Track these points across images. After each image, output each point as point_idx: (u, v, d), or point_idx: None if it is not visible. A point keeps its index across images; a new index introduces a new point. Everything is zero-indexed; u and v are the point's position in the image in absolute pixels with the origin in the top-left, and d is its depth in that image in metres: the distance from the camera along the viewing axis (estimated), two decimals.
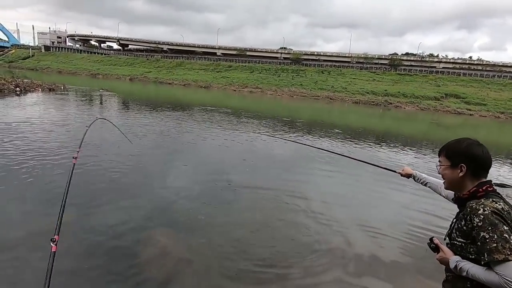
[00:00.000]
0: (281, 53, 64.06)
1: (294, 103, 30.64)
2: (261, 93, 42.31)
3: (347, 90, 43.06)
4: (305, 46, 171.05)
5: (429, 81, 45.56)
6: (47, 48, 72.44)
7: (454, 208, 1.33)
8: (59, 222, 1.59)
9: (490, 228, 1.03)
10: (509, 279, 0.97)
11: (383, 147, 10.06)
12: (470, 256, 1.13)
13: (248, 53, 64.42)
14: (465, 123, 25.27)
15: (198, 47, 69.93)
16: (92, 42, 77.96)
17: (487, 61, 54.15)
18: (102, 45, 79.09)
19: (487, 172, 1.23)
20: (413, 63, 54.83)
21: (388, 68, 51.97)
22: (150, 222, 3.63)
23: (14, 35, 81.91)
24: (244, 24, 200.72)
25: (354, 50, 66.46)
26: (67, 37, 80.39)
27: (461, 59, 57.24)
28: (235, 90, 43.72)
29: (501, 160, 9.52)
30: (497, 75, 46.28)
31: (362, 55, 57.62)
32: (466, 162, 1.21)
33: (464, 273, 1.12)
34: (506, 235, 1.01)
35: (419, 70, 50.79)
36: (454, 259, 1.17)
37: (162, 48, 69.56)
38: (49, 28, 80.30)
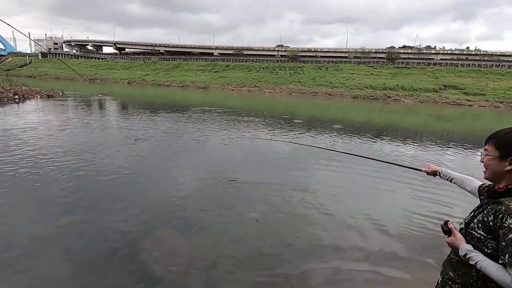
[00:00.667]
0: (278, 50, 63.96)
1: (293, 100, 30.63)
2: (260, 91, 42.26)
3: (345, 85, 43.00)
4: (302, 42, 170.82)
5: (427, 73, 45.46)
6: (44, 54, 72.38)
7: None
8: None
9: None
10: None
11: (385, 140, 10.06)
12: (486, 250, 1.11)
13: (245, 52, 64.33)
14: (465, 114, 25.23)
15: (195, 48, 69.87)
16: (89, 47, 77.89)
17: (484, 51, 54.02)
18: (99, 50, 79.04)
19: None
20: (410, 56, 54.75)
21: (386, 62, 51.86)
22: (155, 223, 3.65)
23: (10, 43, 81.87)
24: (241, 23, 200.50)
25: (351, 45, 66.37)
26: (64, 43, 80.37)
27: (458, 50, 57.14)
28: (233, 90, 43.68)
29: None
30: (495, 65, 46.16)
31: (360, 50, 57.51)
32: None
33: (473, 263, 1.11)
34: None
35: (417, 62, 50.68)
36: (465, 247, 1.15)
37: (159, 50, 69.53)
38: (45, 34, 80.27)
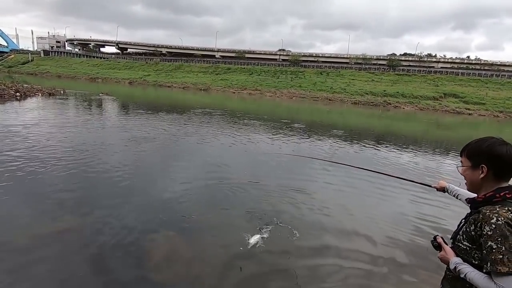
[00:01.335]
0: (280, 55, 64.31)
1: (293, 105, 30.71)
2: (260, 94, 42.37)
3: (346, 91, 43.17)
4: (303, 47, 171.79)
5: (428, 81, 45.72)
6: (46, 52, 72.63)
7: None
8: None
9: (499, 239, 1.00)
10: None
11: (385, 148, 10.09)
12: (474, 262, 1.11)
13: (247, 55, 64.64)
14: (464, 122, 25.33)
15: (197, 50, 70.19)
16: (91, 46, 78.15)
17: (485, 60, 54.41)
18: (101, 49, 79.32)
19: None
20: (411, 63, 55.12)
21: (387, 69, 52.16)
22: (155, 224, 3.64)
23: (13, 40, 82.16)
24: (243, 26, 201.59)
25: (353, 51, 66.74)
26: (66, 41, 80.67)
27: (459, 58, 57.54)
28: (234, 92, 43.78)
29: None
30: (495, 74, 46.47)
31: (361, 56, 57.87)
32: (487, 162, 1.14)
33: (462, 276, 1.11)
34: None
35: (418, 70, 50.98)
36: (454, 261, 1.16)
37: (161, 51, 69.81)
38: (48, 33, 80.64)
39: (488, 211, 1.07)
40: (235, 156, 7.55)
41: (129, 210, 3.98)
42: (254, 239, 3.41)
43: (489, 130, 20.77)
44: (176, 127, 10.76)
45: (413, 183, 2.00)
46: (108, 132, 9.33)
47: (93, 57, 71.25)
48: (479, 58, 56.42)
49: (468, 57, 59.12)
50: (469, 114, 33.44)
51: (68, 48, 79.88)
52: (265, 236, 3.58)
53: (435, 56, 59.89)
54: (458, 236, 1.21)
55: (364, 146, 10.02)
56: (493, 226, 1.02)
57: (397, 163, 7.87)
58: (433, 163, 8.39)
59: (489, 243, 1.02)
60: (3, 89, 16.55)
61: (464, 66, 53.14)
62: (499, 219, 1.02)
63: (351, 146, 9.77)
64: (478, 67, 52.13)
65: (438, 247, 1.26)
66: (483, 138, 1.20)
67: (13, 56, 71.30)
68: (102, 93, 23.96)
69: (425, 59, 57.00)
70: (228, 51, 67.84)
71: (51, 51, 73.90)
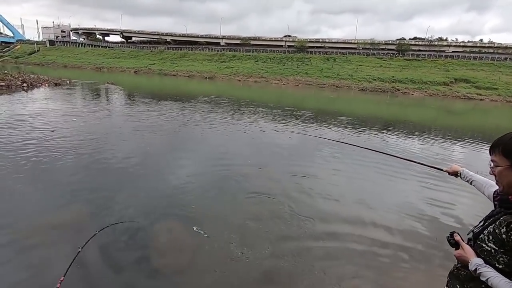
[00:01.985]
0: (286, 41, 63.08)
1: (300, 92, 30.33)
2: (266, 82, 41.92)
3: (353, 77, 42.36)
4: (310, 33, 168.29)
5: (438, 66, 44.45)
6: (51, 42, 72.69)
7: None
8: None
9: None
10: None
11: (392, 135, 9.92)
12: (497, 265, 1.02)
13: (252, 42, 63.63)
14: (476, 109, 24.70)
15: (202, 37, 69.34)
16: (96, 35, 77.85)
17: (498, 43, 52.44)
18: (106, 38, 79.01)
19: None
20: (421, 48, 53.48)
21: (396, 54, 50.81)
22: (160, 212, 3.68)
23: (19, 30, 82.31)
24: (248, 12, 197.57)
25: (361, 36, 64.90)
26: (71, 31, 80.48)
27: (471, 42, 55.60)
28: (239, 80, 43.40)
29: None
30: (509, 58, 44.81)
31: (369, 41, 56.33)
32: None
33: (484, 279, 1.03)
34: None
35: (428, 55, 49.54)
36: (475, 262, 1.07)
37: (166, 39, 69.13)
38: (53, 22, 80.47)
39: None
40: (241, 143, 7.51)
41: (136, 198, 4.02)
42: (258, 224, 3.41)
43: (501, 117, 20.24)
44: (182, 116, 10.74)
45: (423, 166, 1.90)
46: (114, 121, 9.37)
47: (98, 46, 71.07)
48: (492, 41, 54.39)
49: (481, 40, 57.14)
50: (481, 99, 32.55)
51: (73, 37, 79.75)
52: (271, 221, 3.58)
53: (446, 39, 57.87)
54: (482, 235, 1.11)
55: (372, 133, 9.87)
56: None
57: (406, 150, 7.74)
58: (443, 150, 8.21)
59: None
60: (11, 80, 16.70)
61: (477, 50, 51.35)
62: None
63: (358, 134, 9.63)
64: (491, 50, 50.28)
65: (455, 244, 1.17)
66: None
67: (19, 46, 71.62)
68: (108, 83, 24.02)
69: (436, 43, 55.15)
70: (233, 38, 66.83)
71: (57, 41, 73.94)
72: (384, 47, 54.44)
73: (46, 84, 18.60)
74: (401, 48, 51.71)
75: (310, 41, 59.97)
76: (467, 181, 1.52)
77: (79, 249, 2.23)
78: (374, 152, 2.44)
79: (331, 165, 6.04)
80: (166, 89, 24.59)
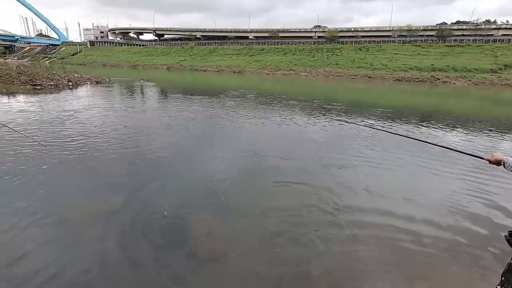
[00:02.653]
0: (315, 31, 61.41)
1: (330, 84, 29.51)
2: (295, 75, 41.30)
3: (387, 67, 40.28)
4: (341, 22, 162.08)
5: (485, 51, 40.67)
6: (92, 43, 77.62)
7: None
8: None
9: None
10: None
11: (430, 127, 9.35)
12: None
13: (280, 34, 62.83)
14: None
15: (230, 31, 69.78)
16: (131, 34, 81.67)
17: None
18: (140, 36, 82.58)
19: None
20: (465, 33, 49.15)
21: (436, 40, 47.34)
22: (195, 204, 3.83)
23: (63, 33, 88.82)
24: (276, 4, 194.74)
25: (396, 23, 61.23)
26: (109, 31, 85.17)
27: None
28: (268, 74, 43.21)
29: None
30: None
31: (405, 28, 52.95)
32: None
33: None
34: None
35: (473, 40, 45.46)
36: None
37: (196, 35, 70.61)
38: (93, 24, 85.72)
39: None
40: (271, 136, 7.52)
41: (171, 189, 4.23)
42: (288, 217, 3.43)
43: None
44: (212, 110, 10.99)
45: (462, 154, 1.78)
46: (149, 115, 9.85)
47: (133, 45, 74.56)
48: None
49: None
50: None
51: (110, 37, 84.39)
52: (304, 213, 3.60)
53: (495, 22, 52.49)
54: None
55: (409, 124, 9.38)
56: None
57: (446, 141, 7.26)
58: (488, 143, 7.59)
59: None
60: (58, 79, 18.15)
61: None
62: None
63: (393, 125, 9.20)
64: None
65: None
66: None
67: (64, 48, 77.33)
68: (143, 79, 25.18)
69: (483, 26, 50.30)
70: (262, 31, 66.46)
71: (96, 42, 78.79)
72: (422, 34, 50.90)
73: (88, 83, 19.97)
74: (442, 34, 48.02)
75: (341, 31, 57.82)
76: None
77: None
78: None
79: (367, 156, 5.85)
80: (197, 84, 25.24)
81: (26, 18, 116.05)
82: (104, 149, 5.84)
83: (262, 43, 59.71)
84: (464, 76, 34.22)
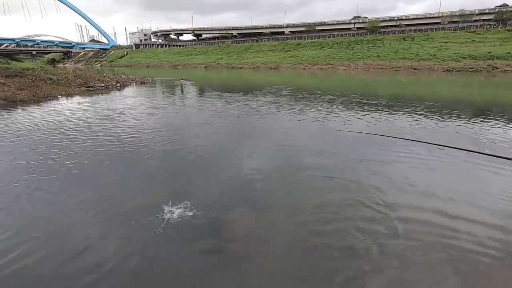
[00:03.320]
0: (355, 23, 58.80)
1: (370, 77, 28.09)
2: (333, 69, 40.02)
3: (436, 57, 37.11)
4: (382, 11, 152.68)
5: None
6: (137, 46, 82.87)
7: None
8: None
9: None
10: None
11: (485, 123, 8.46)
12: None
13: (317, 27, 61.26)
14: None
15: (266, 28, 69.73)
16: (172, 36, 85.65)
17: None
18: (180, 37, 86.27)
19: None
20: None
21: (494, 25, 42.41)
22: (231, 200, 3.93)
23: (112, 38, 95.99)
24: None
25: (446, 8, 56.05)
26: (151, 34, 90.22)
27: None
28: (304, 69, 42.45)
29: None
30: None
31: (457, 13, 48.29)
32: None
33: None
34: None
35: None
36: None
37: (232, 33, 71.80)
38: (137, 28, 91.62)
39: None
40: (308, 132, 7.39)
41: (209, 185, 4.37)
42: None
43: None
44: (248, 106, 11.11)
45: None
46: (189, 113, 10.28)
47: (174, 45, 78.07)
48: None
49: None
50: None
51: (153, 39, 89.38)
52: (345, 209, 3.50)
53: None
54: None
55: (459, 121, 8.57)
56: None
57: (507, 141, 6.52)
58: None
59: None
60: (108, 81, 19.71)
61: None
62: None
63: (439, 122, 8.48)
64: None
65: None
66: None
67: (113, 51, 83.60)
68: (183, 79, 26.28)
69: None
70: (298, 26, 65.38)
71: (141, 44, 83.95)
72: (477, 18, 46.00)
73: (134, 83, 21.38)
74: (502, 17, 42.88)
75: (383, 20, 54.62)
76: None
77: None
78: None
79: (412, 152, 5.49)
80: (233, 82, 25.69)
81: (80, 25, 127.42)
82: (147, 145, 6.23)
83: (298, 38, 58.71)
84: None
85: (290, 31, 65.05)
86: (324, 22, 62.89)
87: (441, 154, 5.41)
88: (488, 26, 42.65)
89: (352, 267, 2.67)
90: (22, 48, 77.16)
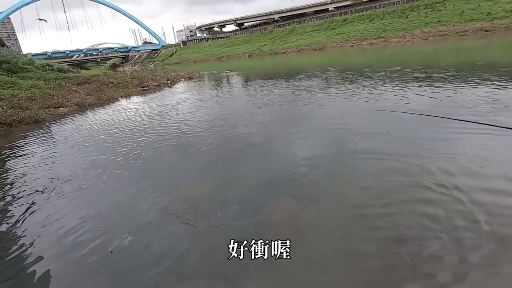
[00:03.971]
0: None
1: (429, 47, 25.06)
2: (384, 42, 36.71)
3: None
4: None
5: None
6: (184, 43, 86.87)
7: None
8: None
9: None
10: None
11: None
12: None
13: None
14: None
15: (308, 7, 66.74)
16: (215, 29, 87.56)
17: None
18: (223, 29, 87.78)
19: None
20: None
21: None
22: (276, 189, 3.86)
23: (162, 38, 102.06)
24: None
25: None
26: (196, 29, 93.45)
27: None
28: (352, 46, 39.79)
29: None
30: None
31: None
32: None
33: None
34: None
35: None
36: None
37: (274, 18, 70.45)
38: (183, 25, 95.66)
39: None
40: (358, 116, 6.93)
41: (255, 173, 4.38)
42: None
43: None
44: (292, 92, 10.86)
45: None
46: (235, 103, 10.47)
47: (217, 38, 79.80)
48: None
49: None
50: None
51: (198, 35, 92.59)
52: (403, 199, 3.24)
53: None
54: None
55: None
56: None
57: None
58: None
59: None
60: (159, 80, 21.09)
61: None
62: None
63: None
64: None
65: None
66: None
67: (163, 51, 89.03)
68: (227, 70, 26.82)
69: None
70: (343, 0, 61.04)
71: (187, 41, 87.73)
72: None
73: (183, 79, 22.52)
74: None
75: None
76: None
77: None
78: None
79: (476, 139, 4.79)
80: (277, 68, 25.34)
81: (134, 30, 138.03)
82: (198, 136, 6.52)
83: (344, 13, 54.96)
84: None
85: (335, 7, 61.14)
86: None
87: None
88: None
89: (422, 269, 2.45)
90: (88, 58, 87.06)
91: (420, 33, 35.73)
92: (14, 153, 6.82)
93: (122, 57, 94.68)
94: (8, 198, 4.41)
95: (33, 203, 4.16)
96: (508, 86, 7.59)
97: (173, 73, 25.17)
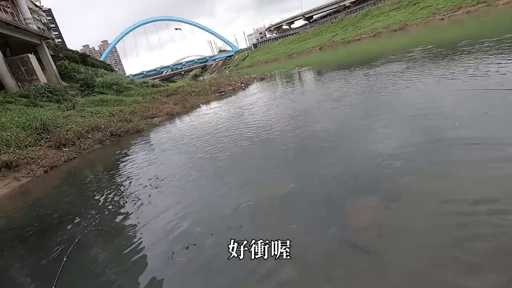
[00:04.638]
0: None
1: None
2: (487, 7, 30.32)
3: None
4: None
5: None
6: (255, 45, 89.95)
7: None
8: None
9: None
10: None
11: None
12: None
13: None
14: None
15: None
16: (284, 27, 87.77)
17: None
18: (291, 26, 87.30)
19: None
20: None
21: None
22: (358, 187, 3.64)
23: (234, 44, 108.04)
24: None
25: None
26: (266, 30, 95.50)
27: None
28: (442, 19, 34.23)
29: None
30: None
31: None
32: None
33: None
34: None
35: None
36: None
37: (344, 4, 66.27)
38: (253, 29, 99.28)
39: None
40: (453, 99, 5.92)
41: (335, 172, 4.20)
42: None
43: None
44: (369, 81, 10.05)
45: None
46: (309, 99, 10.32)
47: (286, 36, 79.78)
48: None
49: None
50: None
51: (268, 35, 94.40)
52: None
53: None
54: None
55: None
56: None
57: None
58: None
59: None
60: (234, 84, 22.37)
61: None
62: None
63: None
64: None
65: None
66: None
67: (236, 56, 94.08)
68: (298, 66, 26.55)
69: None
70: None
71: (258, 43, 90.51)
72: None
73: (255, 81, 23.34)
74: None
75: None
76: None
77: None
78: None
79: None
80: (351, 57, 23.79)
81: (210, 41, 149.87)
82: (275, 136, 6.67)
83: None
84: None
85: None
86: None
87: None
88: None
89: None
90: (175, 72, 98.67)
91: None
92: (124, 157, 8.27)
93: (201, 67, 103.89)
94: (125, 192, 5.40)
95: (144, 196, 4.96)
96: None
97: (246, 76, 26.35)
